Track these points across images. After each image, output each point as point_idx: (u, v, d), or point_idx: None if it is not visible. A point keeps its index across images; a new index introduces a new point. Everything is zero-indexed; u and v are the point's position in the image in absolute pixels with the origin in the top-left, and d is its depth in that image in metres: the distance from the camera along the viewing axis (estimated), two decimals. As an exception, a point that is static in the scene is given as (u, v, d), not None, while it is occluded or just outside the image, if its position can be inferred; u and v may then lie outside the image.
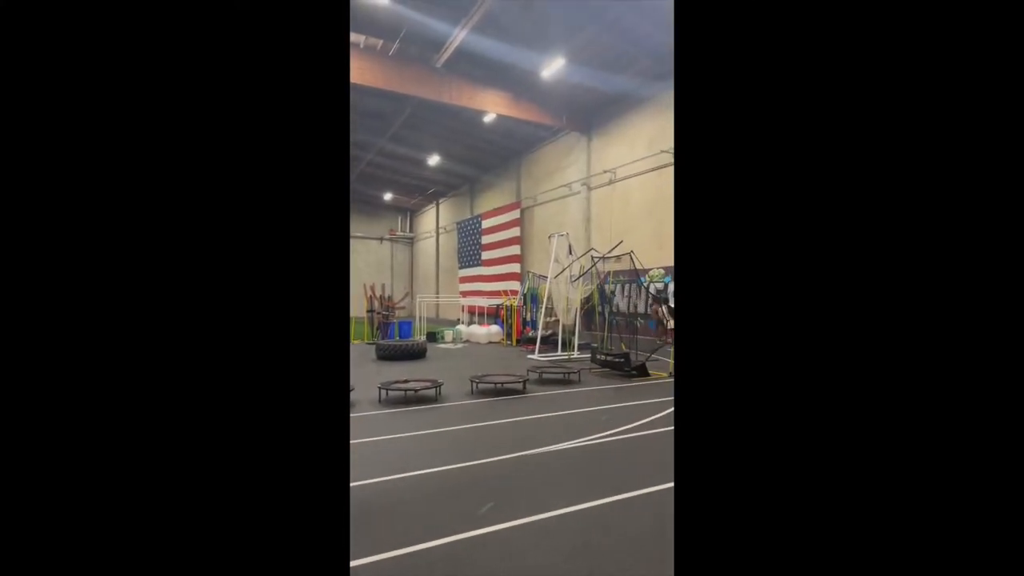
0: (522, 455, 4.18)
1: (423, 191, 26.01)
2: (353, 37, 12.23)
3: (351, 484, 3.47)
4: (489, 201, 21.61)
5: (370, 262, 29.14)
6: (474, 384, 6.87)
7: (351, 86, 13.20)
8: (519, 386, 6.94)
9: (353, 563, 2.45)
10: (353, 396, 6.27)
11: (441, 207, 26.89)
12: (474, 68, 13.13)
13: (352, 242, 28.87)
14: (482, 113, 14.88)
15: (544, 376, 7.80)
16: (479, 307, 17.63)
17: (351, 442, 4.55)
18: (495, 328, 14.36)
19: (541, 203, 18.02)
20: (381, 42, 12.39)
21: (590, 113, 15.31)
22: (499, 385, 6.90)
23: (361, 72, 12.50)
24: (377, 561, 2.49)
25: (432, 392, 6.49)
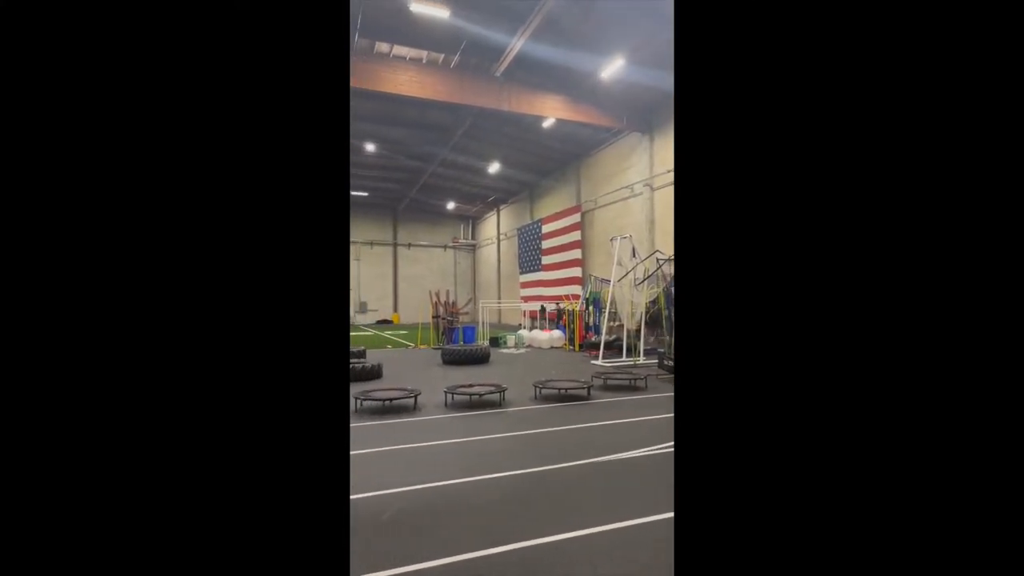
0: (588, 462, 4.11)
1: (484, 199, 26.47)
2: (414, 53, 12.72)
3: (420, 485, 3.57)
4: (549, 206, 21.60)
5: (434, 269, 30.00)
6: (537, 389, 6.86)
7: (417, 100, 13.74)
8: (583, 392, 6.85)
9: (427, 564, 2.51)
10: (420, 400, 6.46)
11: (502, 213, 27.22)
12: (532, 75, 13.22)
13: (417, 250, 29.91)
14: (541, 119, 14.94)
15: (609, 382, 7.64)
16: (537, 311, 17.61)
17: (420, 444, 4.69)
18: (557, 333, 14.28)
19: (602, 206, 17.76)
20: (442, 56, 12.80)
21: (651, 112, 14.92)
22: (563, 391, 6.85)
23: (422, 86, 12.96)
24: (449, 563, 2.53)
25: (496, 397, 6.55)
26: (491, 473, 3.86)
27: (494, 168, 20.31)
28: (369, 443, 4.74)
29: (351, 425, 5.43)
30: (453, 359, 10.41)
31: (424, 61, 13.00)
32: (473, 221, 30.98)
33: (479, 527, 2.92)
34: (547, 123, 15.29)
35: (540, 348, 13.69)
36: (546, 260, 20.90)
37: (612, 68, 12.17)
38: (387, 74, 12.72)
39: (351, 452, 4.46)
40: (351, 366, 8.26)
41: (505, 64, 12.39)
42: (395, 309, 29.13)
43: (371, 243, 28.85)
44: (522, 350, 13.32)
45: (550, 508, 3.19)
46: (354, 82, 12.51)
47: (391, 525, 2.94)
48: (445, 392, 6.51)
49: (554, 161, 19.80)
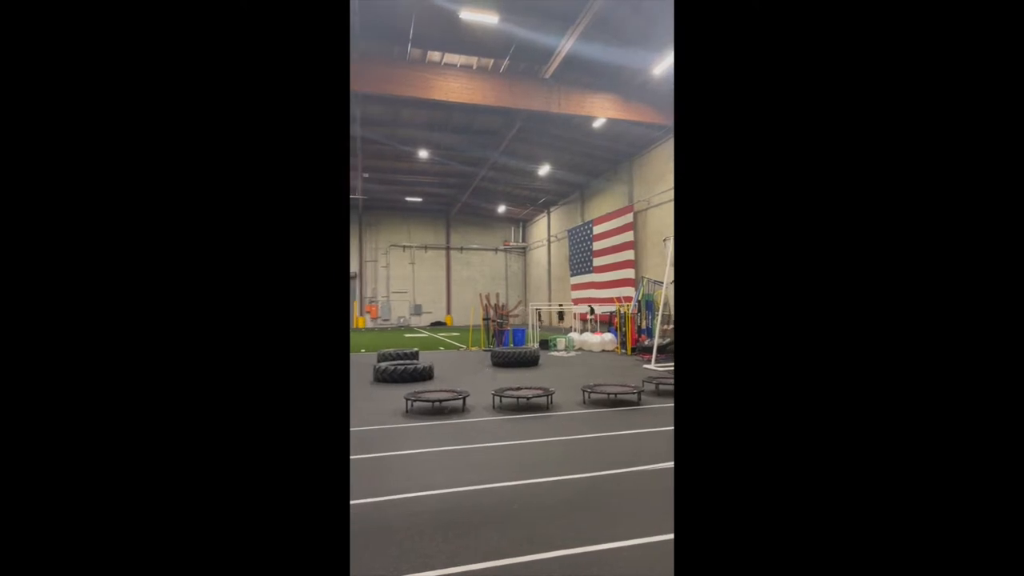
0: (637, 470, 4.00)
1: (534, 201, 26.51)
2: (464, 60, 12.95)
3: (465, 488, 3.61)
4: (600, 207, 21.30)
5: (486, 272, 30.36)
6: (586, 394, 6.76)
7: (468, 106, 13.99)
8: (633, 397, 6.68)
9: (469, 567, 2.53)
10: (468, 402, 6.54)
11: (552, 215, 27.14)
12: (582, 75, 13.10)
13: (469, 254, 30.40)
14: (591, 119, 14.77)
15: (661, 387, 7.41)
16: (589, 314, 17.38)
17: (467, 446, 4.75)
18: (608, 336, 14.04)
19: (655, 205, 17.29)
20: (491, 61, 12.94)
21: (707, 107, 14.34)
22: (612, 396, 6.71)
23: (472, 92, 13.16)
24: (491, 567, 2.54)
25: (544, 400, 6.53)
26: (537, 477, 3.84)
27: (544, 170, 20.29)
28: (417, 444, 4.86)
29: (401, 425, 5.59)
30: (502, 361, 10.48)
31: (474, 67, 13.20)
32: (524, 224, 31.09)
33: (523, 532, 2.91)
34: (597, 123, 15.09)
35: (591, 351, 13.51)
36: (597, 262, 20.61)
37: (664, 64, 11.84)
38: (439, 82, 13.03)
39: (400, 452, 4.60)
40: (404, 367, 8.50)
41: (554, 66, 12.36)
42: (448, 311, 29.72)
43: (425, 247, 29.61)
44: (572, 353, 13.19)
45: (596, 516, 3.13)
46: (407, 91, 12.91)
47: (435, 527, 3.00)
48: (493, 395, 6.56)
49: (605, 161, 19.52)
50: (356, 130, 15.83)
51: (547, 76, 12.94)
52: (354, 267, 28.26)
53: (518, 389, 6.78)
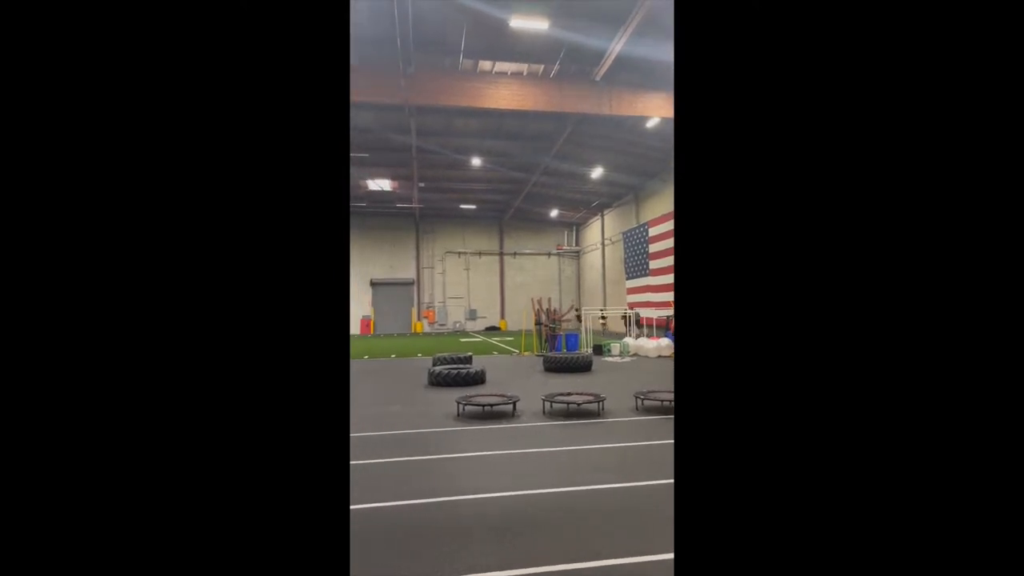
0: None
1: (587, 204, 26.24)
2: (515, 67, 13.08)
3: (513, 492, 3.62)
4: (655, 208, 20.74)
5: (539, 277, 30.36)
6: (639, 400, 6.59)
7: (519, 112, 14.11)
8: (689, 405, 6.42)
9: (515, 572, 2.53)
10: (519, 406, 6.56)
11: (606, 218, 26.74)
12: (634, 75, 12.87)
13: (522, 259, 30.53)
14: (644, 119, 14.45)
15: (719, 395, 7.07)
16: (646, 318, 16.93)
17: (515, 451, 4.77)
18: (665, 341, 13.59)
19: (714, 206, 16.57)
20: (542, 67, 12.99)
21: (769, 100, 13.64)
22: (666, 403, 6.50)
23: (523, 98, 13.27)
24: (537, 574, 2.53)
25: (595, 407, 6.42)
26: (584, 485, 3.79)
27: (597, 173, 20.05)
28: (467, 447, 4.93)
29: (452, 429, 5.70)
30: (554, 367, 10.42)
31: (524, 74, 13.31)
32: (577, 227, 30.84)
33: (571, 539, 2.88)
34: (651, 123, 14.73)
35: (647, 357, 13.14)
36: (654, 264, 20.05)
37: (721, 58, 11.38)
38: (490, 91, 13.24)
39: (449, 455, 4.68)
40: (457, 372, 8.66)
41: (605, 68, 12.22)
42: (502, 316, 29.98)
43: (479, 253, 30.07)
44: (627, 359, 12.90)
45: (646, 525, 3.04)
46: (459, 101, 13.21)
47: (484, 530, 3.02)
48: (543, 400, 6.54)
49: (659, 162, 19.00)
50: (411, 141, 16.39)
51: (598, 78, 12.82)
52: (411, 274, 29.18)
53: (568, 394, 6.72)
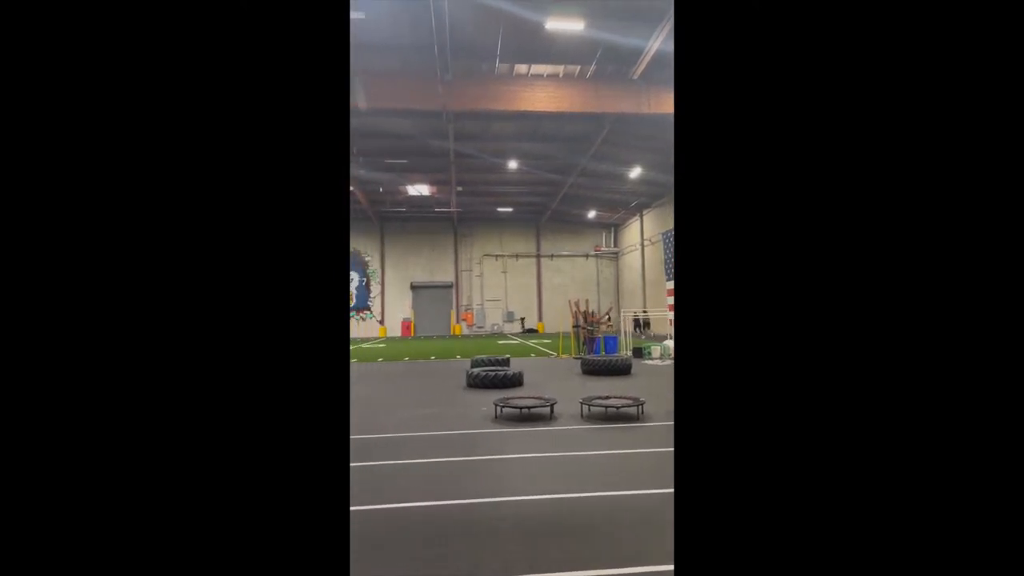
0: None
1: (626, 205, 25.87)
2: (551, 69, 13.08)
3: (550, 496, 3.61)
4: (697, 208, 20.19)
5: (577, 279, 30.15)
6: (680, 405, 6.43)
7: (555, 114, 14.10)
8: (733, 410, 6.22)
9: (561, 575, 2.53)
10: (556, 409, 6.54)
11: (645, 218, 26.27)
12: (672, 73, 12.62)
13: (559, 260, 30.41)
14: (684, 117, 14.14)
15: (765, 401, 6.81)
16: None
17: (551, 454, 4.75)
18: (707, 344, 13.19)
19: (759, 204, 16.01)
20: (578, 68, 12.95)
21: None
22: (709, 408, 6.31)
23: (560, 100, 13.24)
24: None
25: (634, 411, 6.32)
26: (621, 490, 3.74)
27: (635, 173, 19.74)
28: (506, 449, 4.95)
29: (489, 431, 5.74)
30: (593, 369, 10.31)
31: (561, 76, 13.29)
32: (615, 228, 30.44)
33: (610, 544, 2.85)
34: (691, 121, 14.39)
35: (688, 360, 12.79)
36: (695, 266, 19.52)
37: (765, 51, 11.00)
38: (526, 94, 13.29)
39: (486, 457, 4.72)
40: (495, 374, 8.72)
41: (643, 66, 12.04)
42: (540, 318, 29.93)
43: (516, 256, 30.16)
44: (668, 361, 12.61)
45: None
46: (496, 105, 13.33)
47: (518, 533, 3.04)
48: (581, 403, 6.49)
49: (701, 160, 18.51)
50: (449, 146, 16.65)
51: (636, 77, 12.64)
52: (450, 277, 29.59)
53: (606, 398, 6.64)
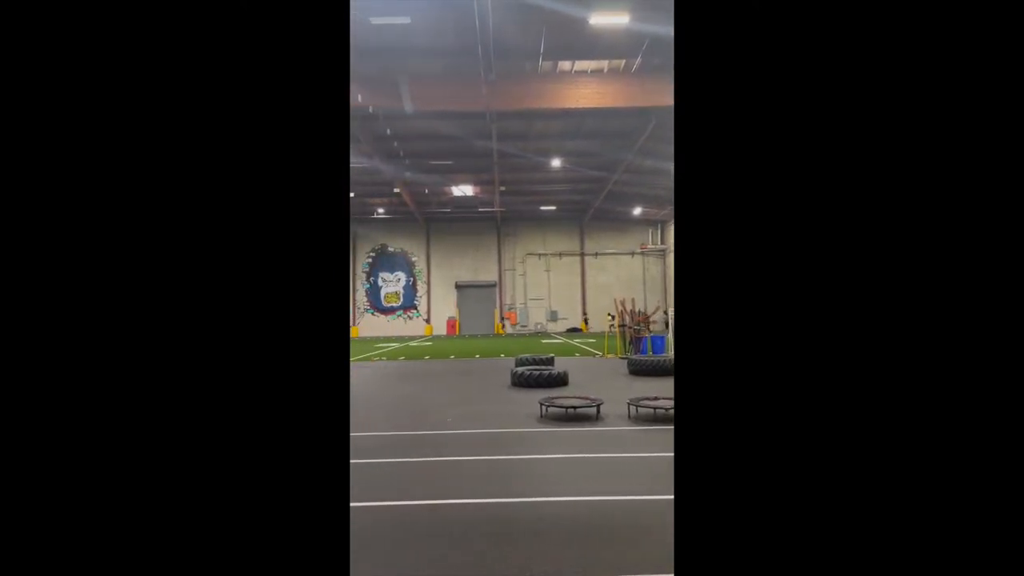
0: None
1: (672, 201, 25.15)
2: (595, 65, 12.89)
3: (598, 497, 3.56)
4: (749, 202, 19.39)
5: (622, 277, 29.63)
6: (733, 408, 6.18)
7: (599, 110, 13.90)
8: (791, 415, 5.92)
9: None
10: (603, 409, 6.44)
11: (693, 215, 25.47)
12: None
13: (604, 259, 29.98)
14: (735, 108, 13.60)
15: (827, 405, 6.44)
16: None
17: (599, 455, 4.69)
18: (761, 345, 12.63)
19: (817, 197, 15.17)
20: (623, 62, 12.70)
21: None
22: (764, 411, 6.03)
23: (603, 96, 13.04)
24: (618, 581, 2.48)
25: (684, 413, 6.13)
26: (670, 494, 3.63)
27: (683, 168, 19.17)
28: (549, 449, 4.93)
29: (535, 430, 5.73)
30: (639, 370, 10.10)
31: (605, 71, 13.08)
32: (662, 225, 29.69)
33: (655, 548, 2.77)
34: (743, 112, 13.82)
35: (740, 361, 12.30)
36: (747, 263, 18.76)
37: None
38: (570, 91, 13.17)
39: (531, 456, 4.71)
40: (540, 373, 8.70)
41: (690, 57, 11.66)
42: (584, 317, 29.64)
43: (560, 254, 29.99)
44: (718, 363, 12.15)
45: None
46: (539, 103, 13.28)
47: (565, 535, 3.01)
48: (628, 404, 6.37)
49: (754, 152, 17.76)
50: (492, 146, 16.75)
51: (683, 69, 12.27)
52: (493, 276, 29.80)
53: (655, 399, 6.48)
